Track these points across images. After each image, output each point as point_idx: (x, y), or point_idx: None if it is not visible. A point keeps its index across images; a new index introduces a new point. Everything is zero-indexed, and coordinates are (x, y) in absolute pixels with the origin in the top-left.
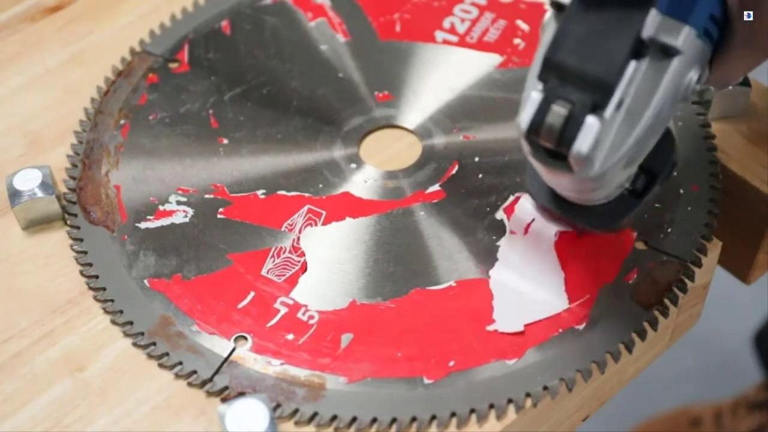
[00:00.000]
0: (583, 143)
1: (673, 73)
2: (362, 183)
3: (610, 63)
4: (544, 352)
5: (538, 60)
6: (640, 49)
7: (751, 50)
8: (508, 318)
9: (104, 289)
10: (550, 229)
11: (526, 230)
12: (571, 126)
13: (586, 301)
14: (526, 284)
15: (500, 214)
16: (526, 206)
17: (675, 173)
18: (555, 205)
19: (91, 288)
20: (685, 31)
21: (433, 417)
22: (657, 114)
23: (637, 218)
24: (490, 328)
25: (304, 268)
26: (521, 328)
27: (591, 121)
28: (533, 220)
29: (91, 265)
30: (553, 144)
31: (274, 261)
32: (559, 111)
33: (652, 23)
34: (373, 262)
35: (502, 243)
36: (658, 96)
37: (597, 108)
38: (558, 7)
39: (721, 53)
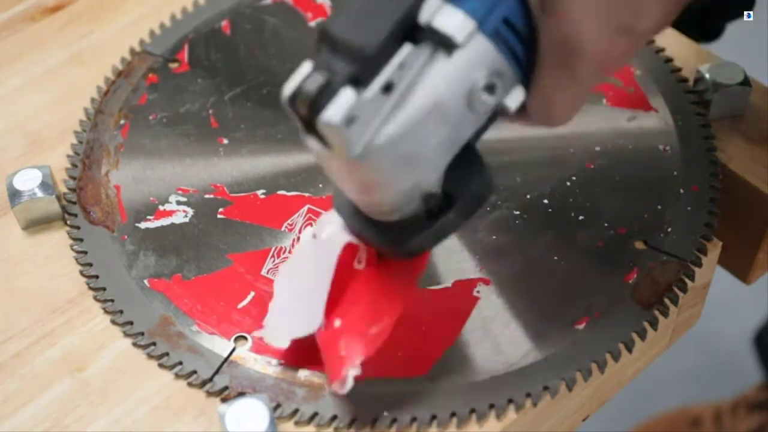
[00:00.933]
0: (330, 111)
1: (448, 67)
2: None
3: (373, 35)
4: (542, 353)
5: None
6: (416, 33)
7: (562, 71)
8: (275, 329)
9: (104, 289)
10: (338, 242)
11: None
12: (326, 94)
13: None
14: (295, 295)
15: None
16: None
17: (485, 209)
18: (351, 219)
19: (91, 288)
20: (461, 21)
21: (433, 417)
22: (432, 111)
23: (637, 218)
24: (257, 333)
25: None
26: (286, 345)
27: (346, 92)
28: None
29: (91, 265)
30: (305, 111)
31: (274, 261)
32: (316, 78)
33: (429, 7)
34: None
35: (297, 246)
36: (429, 90)
37: (358, 82)
38: None
39: (533, 76)
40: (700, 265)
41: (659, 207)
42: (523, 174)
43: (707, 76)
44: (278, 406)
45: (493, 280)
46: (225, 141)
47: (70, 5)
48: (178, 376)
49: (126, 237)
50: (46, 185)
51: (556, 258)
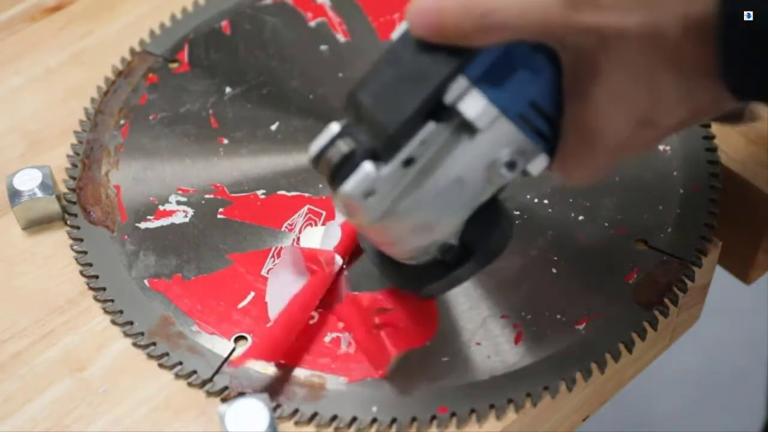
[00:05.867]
0: (349, 185)
1: (469, 147)
2: None
3: (396, 114)
4: (536, 354)
5: None
6: (441, 111)
7: (582, 149)
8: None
9: (104, 289)
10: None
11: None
12: (347, 166)
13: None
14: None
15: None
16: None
17: (501, 261)
18: (374, 257)
19: (91, 288)
20: (484, 108)
21: (433, 417)
22: (451, 186)
23: (637, 218)
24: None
25: None
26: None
27: (366, 167)
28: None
29: (91, 265)
30: (327, 178)
31: (274, 261)
32: (340, 147)
33: (456, 89)
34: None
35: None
36: (449, 167)
37: (378, 157)
38: None
39: (558, 146)
40: (700, 265)
41: (659, 207)
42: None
43: None
44: (278, 406)
45: (494, 280)
46: (225, 141)
47: (70, 5)
48: (178, 376)
49: (126, 237)
50: (46, 185)
51: (556, 258)
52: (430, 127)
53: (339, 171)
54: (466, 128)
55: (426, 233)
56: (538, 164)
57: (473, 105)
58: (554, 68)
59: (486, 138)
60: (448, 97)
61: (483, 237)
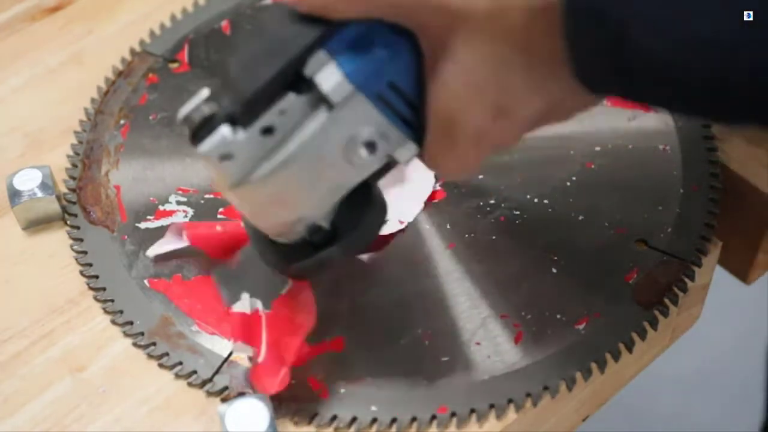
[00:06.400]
0: (206, 145)
1: (325, 121)
2: None
3: (254, 82)
4: (535, 355)
5: None
6: (301, 83)
7: (444, 140)
8: None
9: (104, 289)
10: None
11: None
12: (206, 127)
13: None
14: None
15: None
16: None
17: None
18: (250, 232)
19: (91, 288)
20: (339, 83)
21: (433, 417)
22: (309, 160)
23: (637, 218)
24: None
25: None
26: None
27: (223, 130)
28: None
29: (91, 265)
30: (189, 138)
31: None
32: (202, 110)
33: (315, 62)
34: (373, 261)
35: None
36: (307, 141)
37: (237, 122)
38: None
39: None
40: (700, 265)
41: (659, 207)
42: (523, 174)
43: None
44: (278, 406)
45: (494, 280)
46: None
47: (70, 5)
48: (178, 376)
49: (126, 237)
50: (46, 185)
51: (556, 258)
52: (290, 98)
53: (198, 132)
54: (324, 102)
55: (286, 208)
56: (405, 152)
57: (329, 78)
58: (416, 54)
59: (343, 114)
60: (308, 70)
61: (351, 223)
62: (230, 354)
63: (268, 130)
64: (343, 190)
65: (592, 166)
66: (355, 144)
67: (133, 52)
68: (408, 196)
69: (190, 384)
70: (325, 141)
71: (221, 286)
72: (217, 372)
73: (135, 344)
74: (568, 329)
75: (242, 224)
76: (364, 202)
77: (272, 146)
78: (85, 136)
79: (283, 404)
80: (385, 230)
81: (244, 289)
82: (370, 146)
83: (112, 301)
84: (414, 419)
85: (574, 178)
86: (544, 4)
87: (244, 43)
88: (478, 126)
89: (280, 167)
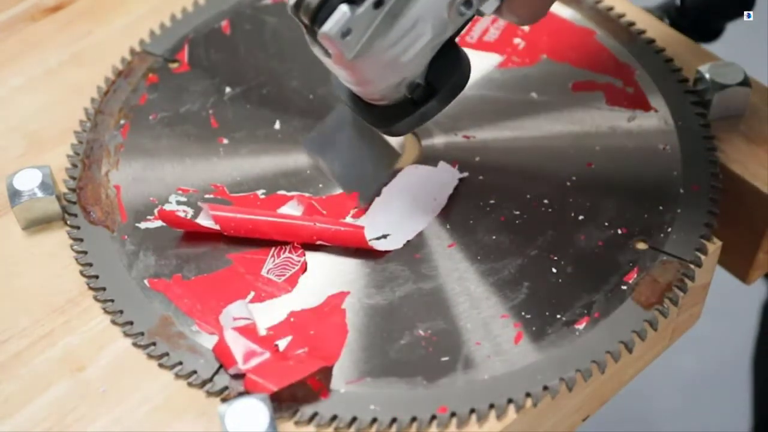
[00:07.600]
0: (328, 24)
1: None
2: None
3: None
4: (537, 353)
5: None
6: None
7: None
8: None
9: (104, 289)
10: None
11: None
12: (326, 9)
13: None
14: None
15: None
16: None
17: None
18: (349, 101)
19: (91, 288)
20: None
21: (433, 417)
22: (417, 24)
23: (637, 218)
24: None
25: (304, 268)
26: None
27: (343, 8)
28: None
29: (91, 265)
30: (308, 21)
31: (274, 261)
32: None
33: None
34: (373, 262)
35: None
36: (416, 7)
37: (352, 0)
38: None
39: None
40: (700, 265)
41: (659, 207)
42: (523, 174)
43: (707, 76)
44: (278, 406)
45: (494, 280)
46: (225, 141)
47: (70, 5)
48: (178, 376)
49: (126, 237)
50: (46, 185)
51: (556, 258)
52: None
53: (318, 13)
54: None
55: (397, 70)
56: (490, 4)
57: None
58: None
59: None
60: None
61: (446, 75)
62: None
63: (379, 3)
64: (438, 46)
65: (592, 166)
66: (457, 3)
67: (133, 52)
68: (412, 215)
69: (190, 384)
70: (433, 5)
71: (314, 154)
72: (217, 372)
73: (135, 344)
74: (568, 329)
75: (339, 95)
76: (450, 56)
77: (384, 17)
78: (85, 136)
79: (283, 404)
80: (389, 246)
81: (338, 152)
82: (468, 3)
83: (112, 301)
84: (414, 419)
85: (574, 178)
86: None
87: None
88: None
89: (396, 35)
